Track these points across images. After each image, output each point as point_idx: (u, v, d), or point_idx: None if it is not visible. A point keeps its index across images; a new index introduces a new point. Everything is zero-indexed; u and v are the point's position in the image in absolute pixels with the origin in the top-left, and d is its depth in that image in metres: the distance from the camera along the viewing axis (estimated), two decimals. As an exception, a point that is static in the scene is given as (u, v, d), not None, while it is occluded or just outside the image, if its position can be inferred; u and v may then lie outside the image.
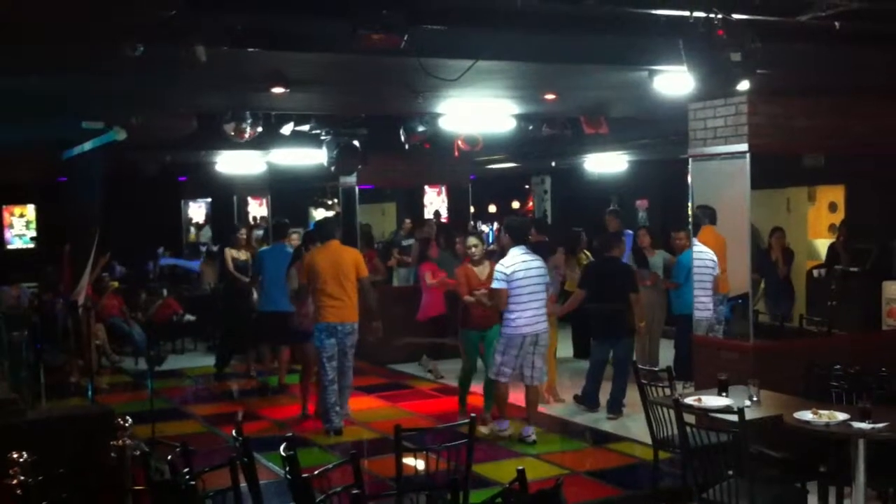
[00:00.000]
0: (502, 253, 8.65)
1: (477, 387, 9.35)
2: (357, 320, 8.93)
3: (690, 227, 8.88)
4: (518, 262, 8.25)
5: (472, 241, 9.30)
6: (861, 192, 10.24)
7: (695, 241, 8.52)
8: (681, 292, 9.94)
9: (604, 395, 9.67)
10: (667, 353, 10.71)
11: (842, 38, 6.12)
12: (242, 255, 12.25)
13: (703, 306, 8.61)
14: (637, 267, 11.03)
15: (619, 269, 9.73)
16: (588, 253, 11.66)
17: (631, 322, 9.53)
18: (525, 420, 8.69)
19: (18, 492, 4.25)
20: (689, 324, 8.90)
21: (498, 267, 8.31)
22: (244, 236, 12.60)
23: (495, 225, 19.83)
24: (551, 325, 9.90)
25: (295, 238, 11.87)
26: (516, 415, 9.04)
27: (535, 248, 8.79)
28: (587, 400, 9.75)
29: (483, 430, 8.58)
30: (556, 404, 10.03)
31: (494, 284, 8.27)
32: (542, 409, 9.36)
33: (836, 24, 5.96)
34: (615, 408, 9.48)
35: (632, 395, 8.75)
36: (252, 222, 18.25)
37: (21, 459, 4.35)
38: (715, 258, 8.47)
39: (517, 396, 9.00)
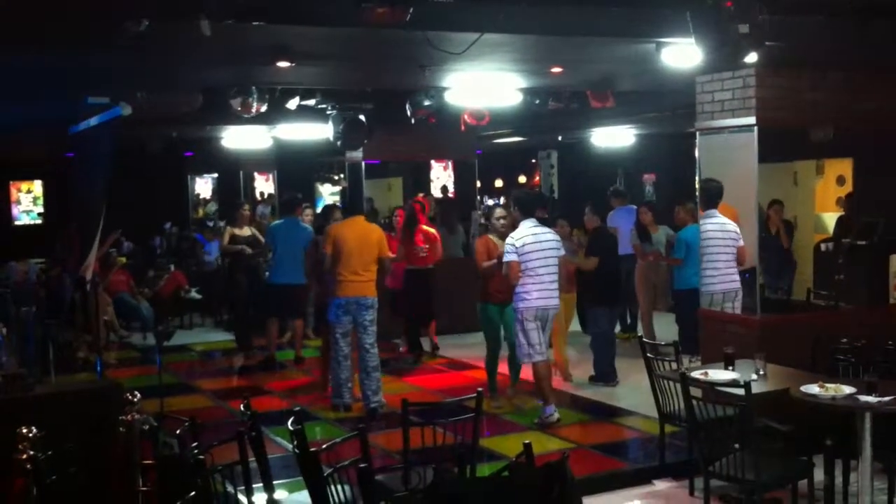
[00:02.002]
0: (513, 226, 8.55)
1: (504, 367, 9.15)
2: (376, 296, 8.87)
3: (697, 201, 8.82)
4: (528, 235, 8.10)
5: (499, 212, 9.25)
6: (869, 165, 10.18)
7: (716, 212, 8.33)
8: (681, 268, 9.92)
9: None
10: (670, 329, 10.73)
11: (852, 10, 6.07)
12: (246, 232, 12.18)
13: (731, 278, 8.34)
14: (640, 241, 11.05)
15: (614, 240, 10.06)
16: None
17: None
18: (532, 395, 8.68)
19: (27, 466, 4.28)
20: (691, 299, 8.91)
21: (508, 240, 8.16)
22: (247, 212, 12.57)
23: (501, 199, 19.81)
24: (565, 302, 9.86)
25: (308, 214, 11.86)
26: (527, 389, 9.07)
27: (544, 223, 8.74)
28: (606, 377, 9.76)
29: (494, 403, 8.75)
30: (567, 384, 9.95)
31: (505, 257, 8.11)
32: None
33: (846, -4, 5.92)
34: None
35: (636, 368, 8.78)
36: (259, 198, 18.27)
37: (30, 434, 4.37)
38: (737, 229, 8.30)
39: (526, 372, 8.99)
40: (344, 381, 8.87)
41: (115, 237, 12.05)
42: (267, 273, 11.45)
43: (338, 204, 14.09)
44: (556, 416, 8.26)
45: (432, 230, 11.37)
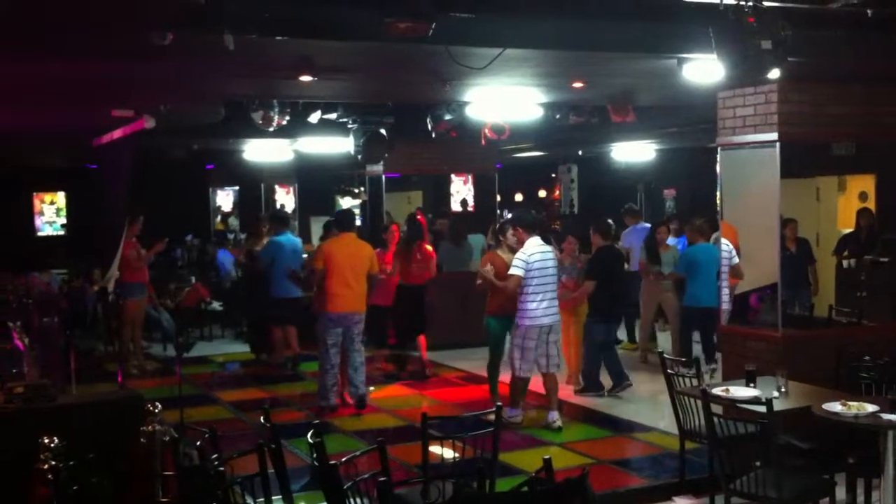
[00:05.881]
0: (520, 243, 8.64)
1: (505, 376, 9.13)
2: (365, 310, 9.24)
3: (719, 217, 8.83)
4: (537, 253, 8.40)
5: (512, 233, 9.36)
6: (893, 180, 10.13)
7: (717, 234, 8.56)
8: (691, 285, 9.93)
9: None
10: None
11: (874, 25, 6.05)
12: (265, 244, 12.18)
13: (724, 297, 8.64)
14: (648, 260, 11.01)
15: (620, 256, 10.31)
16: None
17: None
18: (547, 407, 8.70)
19: (49, 476, 4.30)
20: (692, 317, 9.73)
21: (518, 254, 8.41)
22: (265, 228, 12.62)
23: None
24: (577, 314, 9.90)
25: None
26: (537, 402, 9.08)
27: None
28: (593, 386, 9.80)
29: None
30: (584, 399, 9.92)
31: (512, 271, 8.36)
32: (569, 397, 9.48)
33: (868, 11, 5.90)
34: (623, 379, 9.79)
35: (654, 382, 8.75)
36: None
37: (52, 444, 4.39)
38: (730, 249, 8.47)
39: (535, 383, 8.97)
40: (330, 386, 9.24)
41: (162, 246, 12.13)
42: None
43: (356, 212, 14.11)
44: (519, 419, 8.67)
45: (429, 247, 11.33)
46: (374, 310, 10.66)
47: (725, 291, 8.58)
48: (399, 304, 11.04)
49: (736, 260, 8.45)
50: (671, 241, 11.55)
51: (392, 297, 10.98)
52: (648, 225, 12.33)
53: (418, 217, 11.85)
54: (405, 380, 10.98)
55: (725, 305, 8.55)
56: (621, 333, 12.33)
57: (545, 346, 8.48)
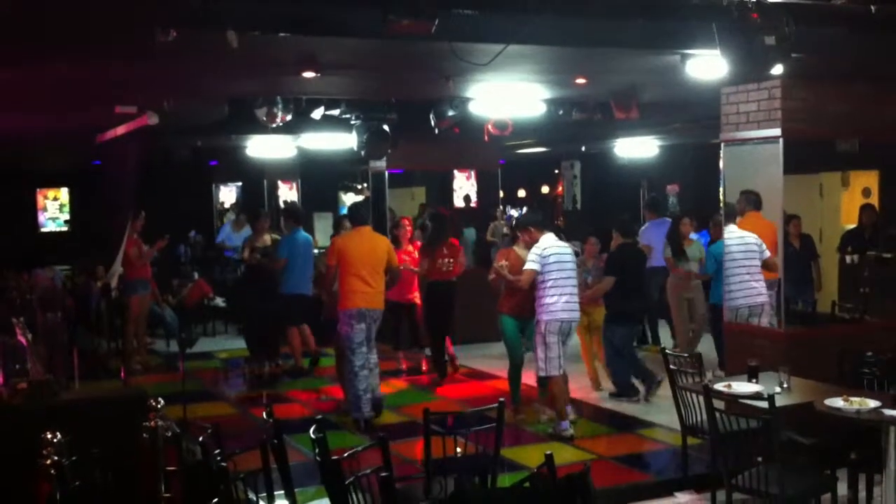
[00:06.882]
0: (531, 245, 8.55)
1: (528, 377, 9.00)
2: (383, 308, 8.84)
3: (722, 214, 8.78)
4: (553, 247, 8.18)
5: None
6: (896, 176, 10.12)
7: (733, 227, 8.35)
8: (716, 282, 9.85)
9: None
10: (705, 344, 10.71)
11: (878, 21, 6.05)
12: (267, 241, 12.08)
13: (756, 292, 8.27)
14: (673, 256, 10.93)
15: (640, 254, 10.00)
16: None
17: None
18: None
19: (52, 472, 4.32)
20: (717, 314, 9.07)
21: (534, 249, 8.20)
22: (267, 224, 12.53)
23: (524, 210, 19.79)
24: (593, 318, 9.81)
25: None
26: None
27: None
28: (625, 391, 9.65)
29: (518, 416, 8.73)
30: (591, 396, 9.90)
31: (527, 266, 8.17)
32: (573, 395, 9.46)
33: (873, 7, 5.90)
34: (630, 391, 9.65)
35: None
36: (283, 206, 18.32)
37: (55, 440, 4.41)
38: (759, 241, 8.26)
39: (532, 377, 8.97)
40: (363, 392, 8.62)
41: (164, 243, 12.13)
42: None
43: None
44: (571, 431, 8.23)
45: (456, 242, 10.97)
46: (389, 306, 10.59)
47: (759, 285, 8.26)
48: (427, 304, 10.73)
49: (767, 254, 8.18)
50: (692, 235, 11.43)
51: (408, 295, 10.80)
52: (669, 220, 12.18)
53: (444, 212, 11.51)
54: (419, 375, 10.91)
55: (764, 298, 8.21)
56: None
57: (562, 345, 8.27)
